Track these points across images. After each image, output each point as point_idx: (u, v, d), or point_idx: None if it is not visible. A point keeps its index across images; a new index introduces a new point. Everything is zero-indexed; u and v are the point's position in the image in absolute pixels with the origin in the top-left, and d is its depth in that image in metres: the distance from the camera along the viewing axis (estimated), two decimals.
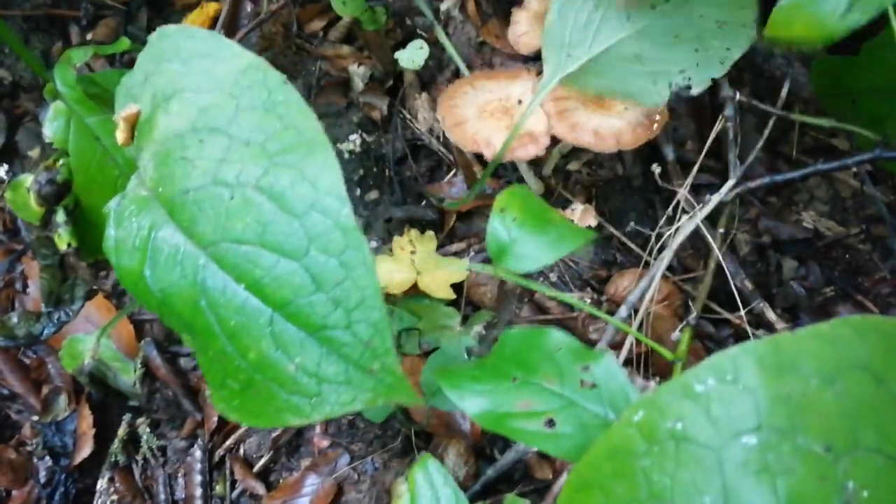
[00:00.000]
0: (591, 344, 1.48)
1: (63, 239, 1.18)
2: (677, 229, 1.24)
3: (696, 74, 1.26)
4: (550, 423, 0.92)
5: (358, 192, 1.65)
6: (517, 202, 1.17)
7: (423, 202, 1.68)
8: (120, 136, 0.99)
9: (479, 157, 1.67)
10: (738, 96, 1.37)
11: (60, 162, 1.20)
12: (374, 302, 0.79)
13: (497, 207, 1.16)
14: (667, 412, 0.69)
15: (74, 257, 1.21)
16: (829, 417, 0.64)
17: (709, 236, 1.30)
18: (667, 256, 1.22)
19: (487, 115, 1.40)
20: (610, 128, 1.29)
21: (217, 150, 0.85)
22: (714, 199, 1.24)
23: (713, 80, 1.49)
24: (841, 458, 0.63)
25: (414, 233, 1.60)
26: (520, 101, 1.36)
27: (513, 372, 1.00)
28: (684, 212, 1.37)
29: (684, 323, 1.22)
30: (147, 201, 0.90)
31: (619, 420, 0.72)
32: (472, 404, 0.98)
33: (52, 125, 1.19)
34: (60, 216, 1.18)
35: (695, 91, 1.26)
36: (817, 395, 0.64)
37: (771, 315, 1.41)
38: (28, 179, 1.17)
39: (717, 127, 1.37)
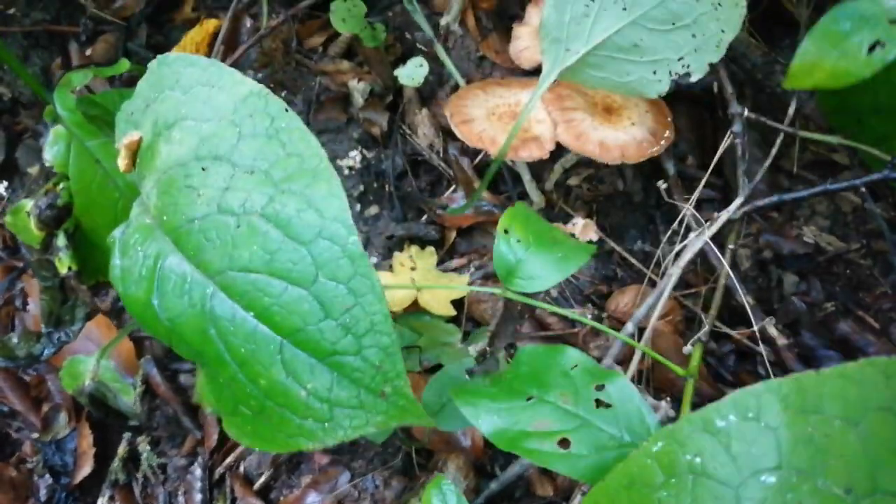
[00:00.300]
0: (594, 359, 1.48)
1: (64, 263, 1.17)
2: (685, 247, 1.23)
3: (694, 61, 1.26)
4: (565, 443, 0.92)
5: (358, 207, 1.65)
6: (519, 222, 1.17)
7: (424, 217, 1.68)
8: (121, 163, 0.99)
9: (479, 173, 1.67)
10: (746, 112, 1.37)
11: (61, 186, 1.20)
12: (383, 327, 0.79)
13: (500, 228, 1.16)
14: (687, 445, 0.69)
15: (75, 280, 1.21)
16: (850, 459, 0.64)
17: (718, 254, 1.30)
18: (675, 274, 1.22)
19: (495, 118, 1.41)
20: (615, 140, 1.29)
21: (221, 179, 0.85)
22: (723, 217, 1.24)
23: (720, 93, 1.51)
24: (860, 502, 0.62)
25: (414, 249, 1.61)
26: None
27: (528, 390, 1.00)
28: (689, 228, 1.37)
29: (695, 338, 1.22)
30: (151, 230, 0.90)
31: (637, 448, 0.72)
32: (487, 423, 0.98)
33: (52, 149, 1.19)
34: (61, 240, 1.18)
35: (694, 78, 1.27)
36: (840, 437, 0.64)
37: (772, 331, 1.42)
38: (28, 204, 1.17)
39: (725, 144, 1.37)
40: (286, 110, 0.85)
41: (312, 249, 0.79)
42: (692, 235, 1.23)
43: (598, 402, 0.96)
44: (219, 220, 0.84)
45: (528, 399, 0.99)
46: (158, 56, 0.96)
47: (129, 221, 0.96)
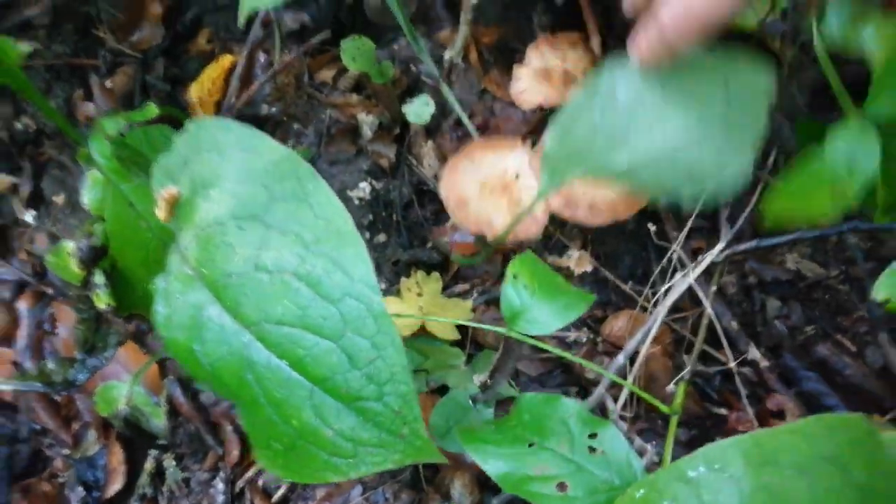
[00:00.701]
0: (588, 382, 1.58)
1: (102, 300, 1.27)
2: (671, 287, 1.33)
3: (689, 188, 1.12)
4: (562, 486, 1.05)
5: (367, 235, 1.75)
6: (527, 269, 1.28)
7: (429, 244, 1.77)
8: (160, 213, 1.08)
9: None
10: None
11: (97, 226, 1.29)
12: (402, 377, 0.89)
13: (509, 274, 1.27)
14: (664, 493, 0.80)
15: (112, 314, 1.31)
16: None
17: (702, 294, 1.40)
18: (661, 313, 1.32)
19: (488, 193, 1.46)
20: (604, 199, 1.37)
21: (256, 238, 0.94)
22: (706, 260, 1.34)
23: None
24: None
25: (420, 275, 1.70)
26: (517, 176, 1.44)
27: (530, 437, 1.13)
28: (680, 262, 1.46)
29: (678, 377, 1.32)
30: (192, 280, 1.00)
31: (622, 494, 0.83)
32: (493, 466, 1.11)
33: (90, 194, 1.28)
34: (99, 278, 1.28)
35: (686, 199, 1.13)
36: (792, 485, 0.75)
37: (755, 354, 1.52)
38: (69, 245, 1.27)
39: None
40: (314, 175, 0.95)
41: (341, 307, 0.89)
42: (678, 276, 1.33)
43: (592, 449, 1.09)
44: (254, 277, 0.94)
45: (530, 445, 1.12)
46: (196, 120, 1.06)
47: (170, 271, 1.05)
